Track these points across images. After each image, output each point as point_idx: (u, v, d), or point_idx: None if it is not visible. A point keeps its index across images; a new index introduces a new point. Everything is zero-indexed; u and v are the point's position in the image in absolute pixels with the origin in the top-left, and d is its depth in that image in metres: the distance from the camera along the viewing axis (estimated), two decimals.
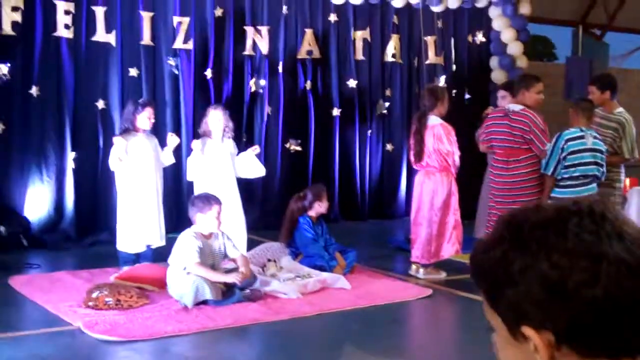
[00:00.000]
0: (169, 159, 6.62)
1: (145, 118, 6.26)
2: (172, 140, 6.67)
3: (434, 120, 6.21)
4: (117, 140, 6.21)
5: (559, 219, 0.89)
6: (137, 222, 6.23)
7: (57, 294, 5.54)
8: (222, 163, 6.52)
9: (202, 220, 5.42)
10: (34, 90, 7.37)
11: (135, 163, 6.22)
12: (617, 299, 0.85)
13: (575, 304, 0.85)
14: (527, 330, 0.88)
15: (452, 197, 6.29)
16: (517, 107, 5.92)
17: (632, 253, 0.86)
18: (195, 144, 6.57)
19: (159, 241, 6.35)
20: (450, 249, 6.31)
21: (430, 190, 6.25)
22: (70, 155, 7.56)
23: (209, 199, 5.50)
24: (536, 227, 0.90)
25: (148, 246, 6.33)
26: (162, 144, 6.61)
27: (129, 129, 6.26)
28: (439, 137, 6.16)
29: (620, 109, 6.40)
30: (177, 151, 8.06)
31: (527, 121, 5.82)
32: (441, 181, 6.24)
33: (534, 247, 0.88)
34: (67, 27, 7.51)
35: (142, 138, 6.29)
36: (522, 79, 6.37)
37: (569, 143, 5.67)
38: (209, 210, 5.40)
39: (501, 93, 7.09)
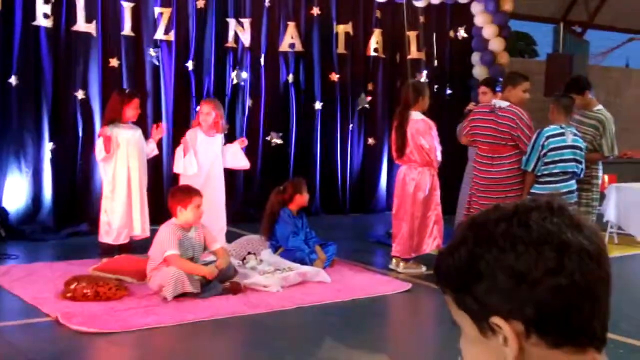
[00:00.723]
0: (152, 151, 6.63)
1: (132, 109, 6.26)
2: (158, 132, 6.67)
3: (415, 116, 6.23)
4: (103, 131, 6.19)
5: (521, 213, 0.92)
6: (121, 213, 6.22)
7: (35, 285, 5.50)
8: (212, 156, 6.48)
9: (181, 212, 5.40)
10: (12, 80, 7.28)
11: (120, 154, 6.21)
12: (580, 285, 0.88)
13: (542, 292, 0.88)
14: (497, 320, 0.90)
15: (434, 192, 6.32)
16: (504, 104, 5.94)
17: (592, 242, 0.90)
18: (189, 136, 6.43)
19: (141, 232, 6.34)
20: (431, 244, 6.34)
21: (412, 185, 6.27)
22: (48, 146, 7.49)
23: (189, 191, 5.48)
24: (500, 221, 0.92)
25: (131, 238, 6.32)
26: (143, 133, 6.57)
27: (114, 120, 6.24)
28: (420, 132, 6.18)
29: (600, 107, 6.45)
30: (158, 143, 8.03)
31: (515, 117, 5.84)
32: (423, 176, 6.27)
33: (500, 240, 0.90)
34: (46, 16, 7.43)
35: (127, 129, 6.27)
36: (509, 75, 6.38)
37: (550, 140, 5.71)
38: (189, 202, 5.38)
39: (482, 89, 7.12)
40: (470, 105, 7.31)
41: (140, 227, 6.34)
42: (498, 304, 0.90)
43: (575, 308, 0.88)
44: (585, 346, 0.91)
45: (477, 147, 6.13)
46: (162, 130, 6.78)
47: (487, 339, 0.92)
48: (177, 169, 6.47)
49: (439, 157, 6.29)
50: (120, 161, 6.23)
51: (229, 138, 7.04)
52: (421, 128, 6.18)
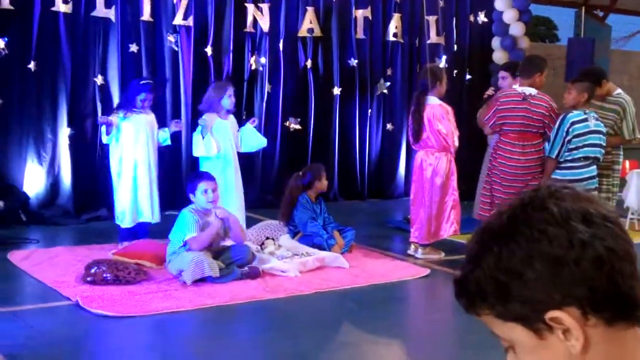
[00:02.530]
0: (165, 140, 6.60)
1: (142, 99, 6.27)
2: (176, 126, 6.68)
3: (432, 101, 6.19)
4: (102, 119, 6.29)
5: (531, 201, 0.90)
6: (131, 197, 6.24)
7: (55, 269, 5.54)
8: (229, 140, 6.47)
9: (193, 197, 5.43)
10: (32, 65, 7.33)
11: (130, 139, 6.22)
12: (615, 250, 0.87)
13: (585, 267, 0.86)
14: (553, 314, 0.87)
15: (451, 177, 6.28)
16: (533, 91, 5.91)
17: (607, 210, 0.90)
18: (207, 119, 6.38)
19: (152, 218, 6.34)
20: (449, 229, 6.31)
21: (429, 171, 6.24)
22: (67, 131, 7.53)
23: (197, 177, 5.52)
24: (515, 215, 0.90)
25: (143, 223, 6.33)
26: (160, 120, 6.59)
27: (127, 106, 6.27)
28: (437, 117, 6.13)
29: (619, 91, 6.37)
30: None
31: (548, 106, 5.87)
32: (440, 161, 6.23)
33: (526, 230, 0.88)
34: (65, 1, 7.45)
35: (138, 114, 6.29)
36: (536, 61, 6.26)
37: (574, 126, 5.63)
38: (198, 186, 5.40)
39: (502, 74, 7.04)
40: (490, 91, 7.21)
41: (150, 213, 6.32)
42: (547, 296, 0.87)
43: (619, 273, 0.87)
44: (634, 319, 0.90)
45: (502, 134, 6.04)
46: (179, 127, 6.80)
47: (545, 340, 0.90)
48: (196, 152, 6.43)
49: (456, 142, 6.25)
50: (129, 145, 6.24)
51: (243, 122, 7.01)
52: (438, 113, 6.13)
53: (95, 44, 7.68)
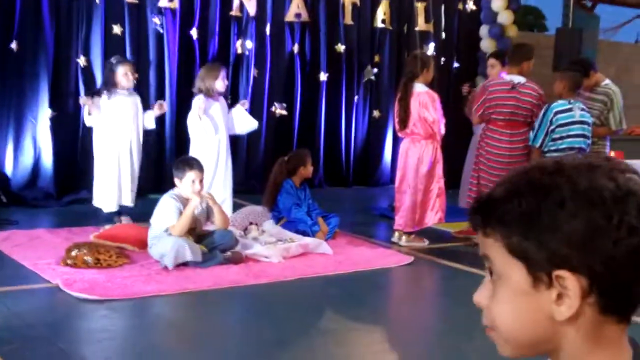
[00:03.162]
0: (150, 123, 6.55)
1: (121, 75, 6.20)
2: (160, 108, 6.59)
3: (419, 88, 6.15)
4: (82, 99, 6.19)
5: (601, 165, 0.88)
6: (112, 180, 6.19)
7: (35, 251, 5.48)
8: (221, 121, 6.41)
9: (180, 184, 5.37)
10: (13, 45, 7.21)
11: (113, 121, 6.16)
12: None
13: (620, 249, 0.84)
14: (563, 273, 0.85)
15: (436, 164, 6.26)
16: (522, 79, 5.93)
17: None
18: (198, 102, 6.30)
19: (129, 202, 6.31)
20: (433, 217, 6.30)
21: (415, 158, 6.22)
22: (47, 113, 7.42)
23: (189, 164, 5.42)
24: (580, 168, 0.87)
25: (122, 206, 6.30)
26: (145, 102, 6.52)
27: (108, 86, 6.20)
28: (424, 104, 6.10)
29: (607, 81, 6.37)
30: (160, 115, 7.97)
31: (536, 94, 5.91)
32: (426, 149, 6.20)
33: (590, 192, 0.85)
34: None
35: (122, 96, 6.23)
36: (524, 49, 6.26)
37: (558, 116, 5.64)
38: (186, 175, 5.32)
39: (491, 61, 7.02)
40: (466, 87, 7.16)
41: (129, 197, 6.30)
42: (568, 255, 0.85)
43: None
44: (625, 318, 0.88)
45: (490, 122, 6.02)
46: (164, 109, 6.70)
47: (536, 292, 0.87)
48: (193, 134, 6.36)
49: (443, 130, 6.22)
50: (112, 128, 6.18)
51: (232, 106, 6.95)
52: (425, 100, 6.10)
53: (78, 25, 7.56)
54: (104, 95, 6.15)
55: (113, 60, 6.43)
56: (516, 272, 0.88)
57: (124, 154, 6.24)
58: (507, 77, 6.05)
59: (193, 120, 6.30)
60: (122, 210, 6.32)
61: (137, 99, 6.39)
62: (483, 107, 5.99)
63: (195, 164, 5.44)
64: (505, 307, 0.90)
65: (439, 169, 6.29)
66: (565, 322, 0.87)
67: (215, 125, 6.31)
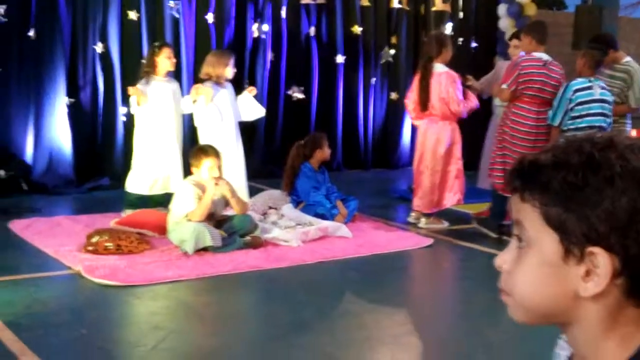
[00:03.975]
0: (188, 108, 6.51)
1: (164, 59, 6.18)
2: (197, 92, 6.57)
3: (439, 68, 6.10)
4: (131, 90, 6.13)
5: (638, 146, 0.86)
6: (153, 165, 6.19)
7: (57, 238, 5.52)
8: (229, 108, 6.39)
9: (197, 171, 5.38)
10: (31, 33, 7.24)
11: (154, 107, 6.15)
12: None
13: None
14: (598, 250, 0.84)
15: (455, 145, 6.22)
16: (549, 57, 5.89)
17: None
18: (207, 90, 6.26)
19: (169, 188, 6.30)
20: (452, 198, 6.27)
21: (433, 139, 6.18)
22: (66, 100, 7.45)
23: (202, 152, 5.42)
24: (635, 151, 0.85)
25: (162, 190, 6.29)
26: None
27: (148, 73, 6.18)
28: (444, 84, 6.05)
29: (628, 59, 6.29)
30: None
31: (562, 72, 5.88)
32: (444, 129, 6.16)
33: (638, 173, 0.84)
34: None
35: (161, 82, 6.21)
36: (544, 27, 6.19)
37: (577, 94, 5.58)
38: (203, 162, 5.33)
39: (514, 42, 6.95)
40: (468, 80, 6.99)
41: (175, 182, 6.29)
42: (606, 233, 0.83)
43: None
44: None
45: (516, 99, 5.93)
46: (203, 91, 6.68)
47: (565, 264, 0.86)
48: (198, 122, 6.35)
49: (464, 110, 6.14)
50: (154, 114, 6.18)
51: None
52: (445, 80, 6.05)
53: (94, 11, 7.58)
54: (146, 83, 6.14)
55: (156, 43, 6.44)
56: (548, 242, 0.87)
57: (166, 140, 6.24)
58: (536, 54, 5.97)
59: (199, 108, 6.27)
60: (149, 200, 6.28)
61: (176, 85, 6.40)
62: (516, 83, 5.90)
63: (211, 151, 5.44)
64: (530, 275, 0.89)
65: (458, 150, 6.25)
66: (589, 299, 0.86)
67: (222, 112, 6.28)
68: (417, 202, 6.33)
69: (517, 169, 0.91)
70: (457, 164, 6.24)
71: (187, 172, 5.76)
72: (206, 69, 6.33)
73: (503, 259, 0.93)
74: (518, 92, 5.90)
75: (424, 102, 6.13)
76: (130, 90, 6.13)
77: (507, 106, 6.11)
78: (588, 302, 0.86)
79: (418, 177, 6.32)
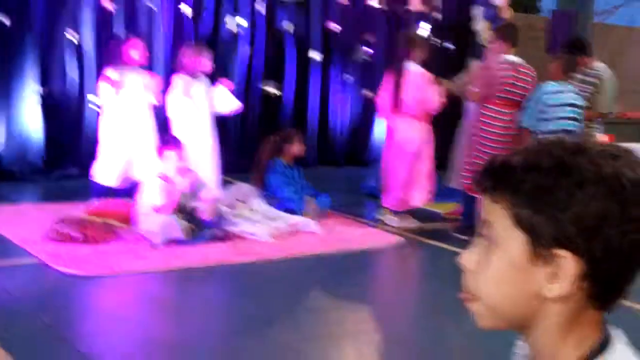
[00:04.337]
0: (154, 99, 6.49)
1: (134, 51, 6.19)
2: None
3: (412, 67, 6.13)
4: (113, 74, 6.12)
5: (623, 154, 0.87)
6: (120, 155, 6.16)
7: (22, 226, 5.46)
8: (204, 101, 6.36)
9: (162, 163, 5.36)
10: (3, 19, 7.12)
11: (123, 98, 6.12)
12: None
13: (626, 241, 0.84)
14: (565, 253, 0.85)
15: (426, 145, 6.24)
16: (520, 60, 5.94)
17: None
18: (180, 81, 6.24)
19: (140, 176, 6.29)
20: (421, 198, 6.29)
21: (404, 137, 6.20)
22: (38, 89, 7.35)
23: (169, 142, 5.43)
24: (605, 154, 0.86)
25: (130, 181, 6.27)
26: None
27: (118, 64, 6.17)
28: (416, 83, 6.08)
29: (600, 64, 6.37)
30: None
31: (533, 75, 5.94)
32: (416, 128, 6.19)
33: (609, 178, 0.84)
34: None
35: (131, 73, 6.19)
36: (516, 30, 6.24)
37: (549, 97, 5.63)
38: (170, 155, 5.31)
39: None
40: (445, 83, 6.98)
41: (140, 171, 6.28)
42: (574, 236, 0.84)
43: (636, 269, 0.87)
44: (606, 307, 0.89)
45: (487, 101, 5.97)
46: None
47: (532, 267, 0.87)
48: (172, 113, 6.32)
49: (434, 108, 6.18)
50: (123, 104, 6.15)
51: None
52: (417, 79, 6.08)
53: (68, 1, 7.47)
54: (113, 72, 6.12)
55: (127, 35, 6.42)
56: (516, 243, 0.88)
57: (133, 129, 6.23)
58: (507, 57, 6.02)
59: (173, 100, 6.24)
60: (119, 189, 6.26)
61: (147, 77, 6.39)
62: (484, 85, 5.96)
63: (175, 141, 5.44)
64: (496, 276, 0.89)
65: (428, 150, 6.28)
66: (552, 301, 0.87)
67: (196, 105, 6.25)
68: (386, 199, 6.36)
69: (488, 169, 0.92)
70: (427, 163, 6.27)
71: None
72: (181, 61, 6.31)
73: (468, 258, 0.93)
74: (487, 94, 5.95)
75: (396, 101, 6.16)
76: (112, 74, 6.08)
77: (478, 108, 6.16)
78: (552, 304, 0.87)
79: (387, 174, 6.35)
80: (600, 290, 0.86)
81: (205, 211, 5.39)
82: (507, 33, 6.14)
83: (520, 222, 0.87)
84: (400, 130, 6.23)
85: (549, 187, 0.85)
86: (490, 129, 5.94)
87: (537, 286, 0.87)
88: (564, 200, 0.84)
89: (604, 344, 0.88)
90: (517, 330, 0.93)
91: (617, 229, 0.83)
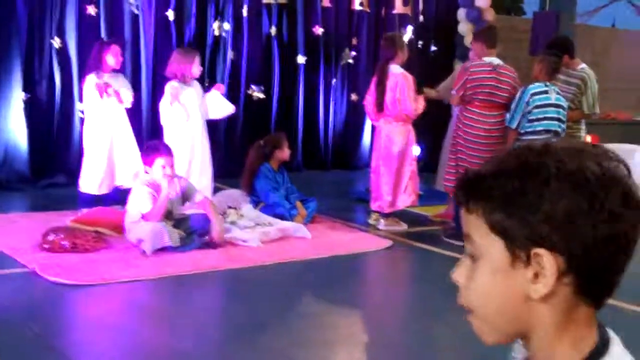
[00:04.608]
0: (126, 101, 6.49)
1: (111, 56, 6.23)
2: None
3: (395, 69, 6.15)
4: (92, 80, 6.13)
5: (592, 150, 0.89)
6: (102, 163, 6.16)
7: (12, 235, 5.42)
8: (196, 107, 6.35)
9: (150, 170, 5.33)
10: None
11: (101, 103, 6.12)
12: (629, 239, 0.87)
13: (599, 234, 0.85)
14: (542, 251, 0.86)
15: (408, 147, 6.25)
16: (500, 61, 5.98)
17: None
18: (172, 87, 6.20)
19: (126, 182, 6.30)
20: (406, 200, 6.31)
21: (387, 139, 6.23)
22: (22, 95, 7.30)
23: (157, 149, 5.39)
24: (571, 151, 0.88)
25: (115, 188, 6.28)
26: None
27: (95, 69, 6.17)
28: (398, 86, 6.10)
29: (583, 65, 6.42)
30: (137, 94, 7.89)
31: (514, 75, 5.97)
32: (398, 130, 6.21)
33: (575, 174, 0.86)
34: None
35: (110, 78, 6.21)
36: (495, 32, 6.30)
37: (534, 97, 5.68)
38: (152, 162, 5.29)
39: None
40: (428, 91, 6.98)
41: (124, 178, 6.29)
42: (548, 234, 0.86)
43: (616, 260, 0.87)
44: (598, 301, 0.90)
45: (468, 103, 6.03)
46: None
47: (513, 270, 0.89)
48: (165, 121, 6.31)
49: (417, 111, 6.19)
50: (103, 111, 6.15)
51: (209, 90, 6.88)
52: (399, 82, 6.10)
53: (52, 5, 7.43)
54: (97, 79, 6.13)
55: (104, 39, 6.44)
56: (496, 249, 0.89)
57: (115, 135, 6.25)
58: (487, 59, 6.07)
59: (165, 107, 6.23)
60: (106, 197, 6.26)
61: (125, 82, 6.40)
62: (464, 88, 6.00)
63: (163, 148, 5.40)
64: (483, 286, 0.91)
65: (411, 152, 6.29)
66: (540, 301, 0.88)
67: (188, 111, 6.24)
68: (375, 203, 6.38)
69: (461, 182, 0.94)
70: (411, 165, 6.28)
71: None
72: (171, 67, 6.29)
73: (458, 273, 0.95)
74: (468, 97, 5.99)
75: (379, 103, 6.20)
76: (95, 80, 6.09)
77: (460, 111, 6.20)
78: (541, 305, 0.88)
79: (374, 177, 6.37)
80: (587, 284, 0.87)
81: (215, 234, 5.37)
82: (486, 35, 6.19)
83: (495, 228, 0.89)
84: (383, 133, 6.26)
85: (517, 190, 0.87)
86: (473, 132, 5.98)
87: (522, 289, 0.88)
88: (533, 200, 0.86)
89: (602, 346, 0.89)
90: (520, 339, 0.94)
91: (588, 223, 0.85)
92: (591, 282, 0.87)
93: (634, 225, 0.87)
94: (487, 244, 0.90)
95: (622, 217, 0.86)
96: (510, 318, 0.90)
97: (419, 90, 6.40)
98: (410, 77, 6.19)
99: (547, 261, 0.86)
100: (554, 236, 0.85)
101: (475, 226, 0.91)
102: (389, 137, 6.22)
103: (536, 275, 0.87)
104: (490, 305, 0.91)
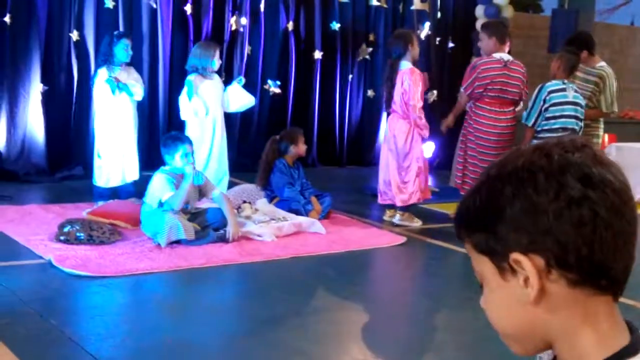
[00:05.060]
0: (137, 94, 6.51)
1: (122, 50, 6.26)
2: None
3: (404, 66, 6.11)
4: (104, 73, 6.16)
5: (543, 147, 0.89)
6: (113, 156, 6.22)
7: (28, 227, 5.46)
8: (216, 100, 6.37)
9: (170, 160, 5.36)
10: (7, 19, 7.13)
11: (111, 95, 6.16)
12: (604, 219, 0.85)
13: (564, 223, 0.85)
14: (516, 256, 0.87)
15: (413, 143, 6.18)
16: (510, 57, 5.96)
17: (617, 178, 0.87)
18: (193, 81, 6.23)
19: (136, 175, 6.36)
20: (413, 197, 6.26)
21: (393, 136, 6.21)
22: (39, 87, 7.35)
23: (178, 138, 5.42)
24: (521, 156, 0.89)
25: (126, 183, 6.33)
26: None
27: (106, 62, 6.19)
28: (407, 82, 6.06)
29: (602, 63, 6.37)
30: (154, 88, 7.93)
31: (524, 71, 5.95)
32: (403, 127, 6.16)
33: (520, 172, 0.87)
34: None
35: (120, 73, 6.23)
36: (506, 27, 6.27)
37: (552, 95, 5.65)
38: (178, 149, 5.32)
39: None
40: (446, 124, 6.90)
41: (135, 172, 6.36)
42: (517, 238, 0.87)
43: (598, 242, 0.85)
44: (605, 290, 0.88)
45: (478, 100, 6.01)
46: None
47: (507, 282, 0.90)
48: (184, 115, 6.34)
49: (416, 104, 6.08)
50: (113, 103, 6.19)
51: (226, 85, 6.89)
52: (408, 78, 6.06)
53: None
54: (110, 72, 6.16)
55: (115, 33, 6.49)
56: (487, 268, 0.92)
57: (124, 129, 6.32)
58: (497, 55, 6.03)
59: (184, 102, 6.25)
60: (121, 190, 6.32)
61: (136, 75, 6.41)
62: (473, 85, 5.96)
63: (184, 138, 5.45)
64: (492, 306, 0.94)
65: (416, 148, 6.21)
66: (538, 304, 0.88)
67: (208, 104, 6.26)
68: (384, 197, 6.35)
69: (454, 218, 0.96)
70: (417, 161, 6.21)
71: (160, 160, 5.71)
72: (192, 61, 6.32)
73: (482, 300, 0.97)
74: (476, 94, 5.96)
75: (388, 99, 6.18)
76: (109, 73, 6.13)
77: (470, 107, 6.15)
78: (541, 307, 0.88)
79: (383, 173, 6.36)
80: (579, 275, 0.86)
81: (230, 235, 5.37)
82: (496, 30, 6.12)
83: (478, 248, 0.92)
84: (390, 128, 6.24)
85: (483, 207, 0.89)
86: (483, 128, 5.94)
87: (519, 297, 0.89)
88: (496, 211, 0.88)
89: (632, 347, 0.87)
90: (549, 347, 0.93)
91: (548, 214, 0.85)
92: (582, 271, 0.86)
93: (605, 201, 0.85)
94: (482, 266, 0.93)
95: (586, 198, 0.84)
96: (525, 329, 0.91)
97: (425, 86, 6.37)
98: (417, 73, 6.12)
99: (526, 264, 0.86)
100: (523, 238, 0.86)
101: (471, 254, 0.94)
102: (396, 133, 6.19)
103: (525, 281, 0.88)
104: (505, 322, 0.93)
